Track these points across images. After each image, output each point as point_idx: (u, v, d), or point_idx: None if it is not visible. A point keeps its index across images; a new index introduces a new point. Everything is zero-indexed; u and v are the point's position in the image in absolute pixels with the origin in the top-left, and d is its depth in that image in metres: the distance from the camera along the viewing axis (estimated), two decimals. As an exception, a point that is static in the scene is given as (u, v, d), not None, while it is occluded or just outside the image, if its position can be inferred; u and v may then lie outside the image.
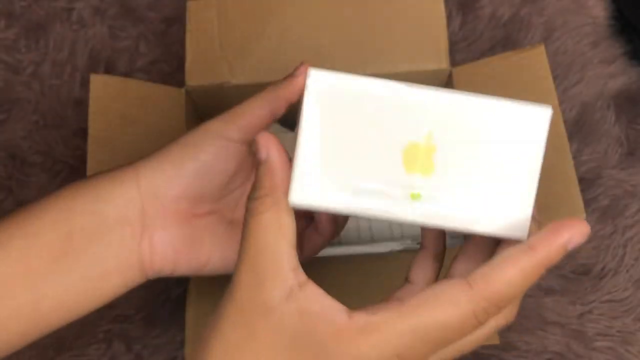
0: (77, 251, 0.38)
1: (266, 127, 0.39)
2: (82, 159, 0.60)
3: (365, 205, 0.30)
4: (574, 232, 0.28)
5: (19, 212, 0.38)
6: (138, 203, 0.39)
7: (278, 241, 0.30)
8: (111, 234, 0.38)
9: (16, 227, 0.37)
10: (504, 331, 0.58)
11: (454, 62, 0.62)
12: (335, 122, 0.29)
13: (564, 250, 0.28)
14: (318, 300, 0.29)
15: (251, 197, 0.31)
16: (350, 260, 0.50)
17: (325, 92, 0.29)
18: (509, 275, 0.28)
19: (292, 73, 0.38)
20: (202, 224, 0.40)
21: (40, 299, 0.37)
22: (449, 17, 0.63)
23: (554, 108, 0.30)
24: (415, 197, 0.30)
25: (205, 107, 0.55)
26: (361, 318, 0.28)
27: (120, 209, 0.38)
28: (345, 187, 0.29)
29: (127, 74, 0.62)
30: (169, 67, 0.64)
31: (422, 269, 0.34)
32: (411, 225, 0.32)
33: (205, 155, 0.39)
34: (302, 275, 0.30)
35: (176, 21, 0.65)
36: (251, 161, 0.41)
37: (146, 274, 0.40)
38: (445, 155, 0.30)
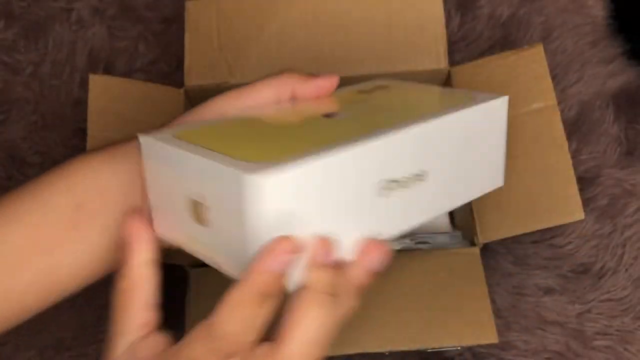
0: (86, 222, 0.39)
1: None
2: (82, 159, 0.61)
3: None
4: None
5: (28, 185, 0.39)
6: (138, 175, 0.40)
7: None
8: (116, 206, 0.39)
9: (28, 199, 0.38)
10: (504, 330, 0.58)
11: (452, 62, 0.62)
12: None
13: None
14: None
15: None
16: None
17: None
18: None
19: (317, 75, 0.39)
20: None
21: (56, 268, 0.38)
22: (448, 17, 0.63)
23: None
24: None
25: (205, 107, 0.55)
26: None
27: (123, 182, 0.39)
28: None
29: (126, 74, 0.62)
30: (168, 67, 0.64)
31: None
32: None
33: None
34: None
35: (175, 21, 0.65)
36: None
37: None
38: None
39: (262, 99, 0.39)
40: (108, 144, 0.41)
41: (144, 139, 0.32)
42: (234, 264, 0.30)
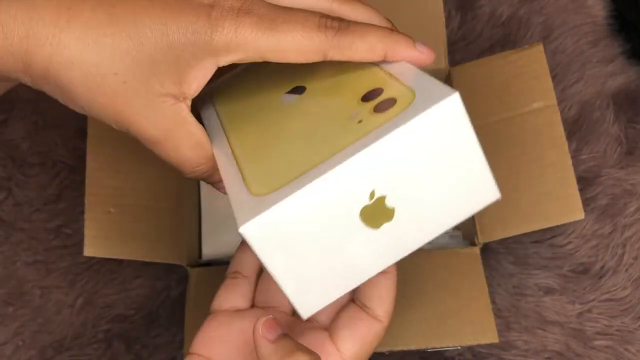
0: None
1: None
2: (82, 159, 0.60)
3: (366, 271, 0.31)
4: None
5: None
6: None
7: None
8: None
9: None
10: (504, 330, 0.58)
11: (453, 62, 0.62)
12: (292, 249, 0.29)
13: None
14: None
15: None
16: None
17: (266, 236, 0.29)
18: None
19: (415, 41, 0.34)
20: None
21: None
22: (448, 17, 0.63)
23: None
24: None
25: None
26: None
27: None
28: (338, 275, 0.31)
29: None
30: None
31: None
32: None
33: None
34: None
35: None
36: None
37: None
38: (396, 195, 0.30)
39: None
40: None
41: (255, 225, 0.29)
42: (461, 204, 0.32)
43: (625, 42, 0.65)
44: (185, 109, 0.31)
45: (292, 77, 0.37)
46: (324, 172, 0.28)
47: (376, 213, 0.30)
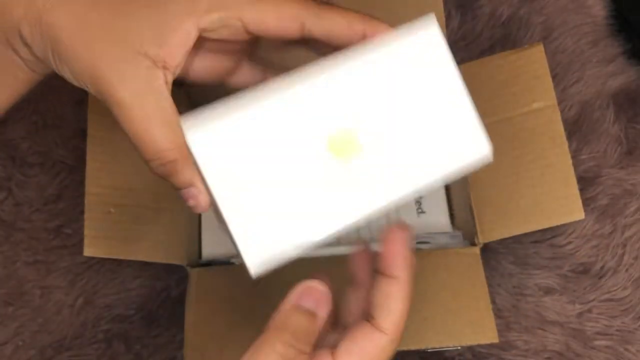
0: None
1: None
2: (82, 159, 0.60)
3: (327, 229, 0.27)
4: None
5: None
6: None
7: None
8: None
9: None
10: (504, 330, 0.58)
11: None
12: (244, 170, 0.25)
13: None
14: None
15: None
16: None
17: (215, 148, 0.25)
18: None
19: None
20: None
21: None
22: (448, 17, 0.63)
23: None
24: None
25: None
26: None
27: None
28: (290, 230, 0.26)
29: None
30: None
31: (350, 306, 0.33)
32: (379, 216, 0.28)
33: None
34: None
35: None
36: None
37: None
38: (369, 127, 0.26)
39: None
40: None
41: (202, 134, 0.26)
42: (445, 156, 0.28)
43: (626, 42, 0.65)
44: (162, 77, 0.30)
45: None
46: (289, 87, 0.25)
47: (345, 145, 0.26)
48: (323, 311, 0.30)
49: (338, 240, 0.55)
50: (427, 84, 0.27)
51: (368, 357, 0.30)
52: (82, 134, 0.60)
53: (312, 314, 0.29)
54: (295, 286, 0.30)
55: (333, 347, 0.30)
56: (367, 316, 0.31)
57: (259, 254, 0.26)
